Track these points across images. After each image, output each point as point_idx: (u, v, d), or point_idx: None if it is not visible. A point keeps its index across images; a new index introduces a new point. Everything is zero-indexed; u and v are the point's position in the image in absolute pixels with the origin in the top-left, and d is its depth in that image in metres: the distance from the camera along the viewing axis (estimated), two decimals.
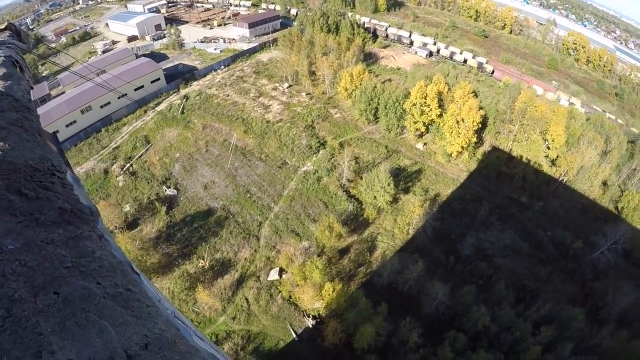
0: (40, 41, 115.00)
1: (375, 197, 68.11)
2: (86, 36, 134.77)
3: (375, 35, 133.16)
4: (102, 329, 2.75)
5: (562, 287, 66.37)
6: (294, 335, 54.09)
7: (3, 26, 7.34)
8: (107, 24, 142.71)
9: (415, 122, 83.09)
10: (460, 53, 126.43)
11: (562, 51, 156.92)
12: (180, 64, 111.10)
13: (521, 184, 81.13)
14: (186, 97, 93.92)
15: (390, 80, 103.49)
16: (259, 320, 55.34)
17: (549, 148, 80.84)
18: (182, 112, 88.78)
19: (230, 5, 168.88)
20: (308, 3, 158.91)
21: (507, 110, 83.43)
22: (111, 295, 3.16)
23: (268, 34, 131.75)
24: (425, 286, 57.67)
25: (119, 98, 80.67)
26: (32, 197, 3.84)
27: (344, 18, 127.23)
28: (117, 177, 74.22)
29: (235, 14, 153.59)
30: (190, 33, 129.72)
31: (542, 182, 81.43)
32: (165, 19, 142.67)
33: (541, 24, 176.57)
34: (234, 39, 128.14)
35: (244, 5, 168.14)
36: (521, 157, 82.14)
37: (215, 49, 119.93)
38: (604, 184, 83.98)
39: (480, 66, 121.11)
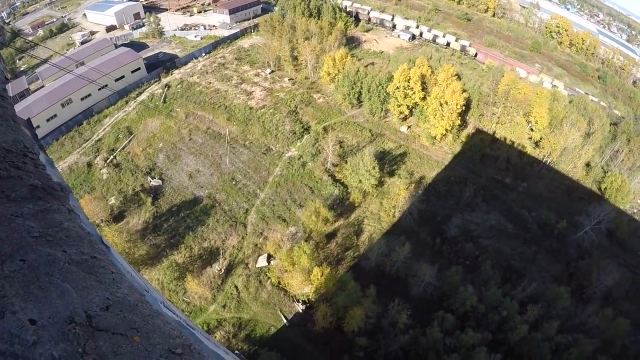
0: (17, 35, 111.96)
1: (360, 180, 68.42)
2: (64, 28, 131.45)
3: (357, 19, 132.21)
4: (64, 292, 2.78)
5: (547, 266, 67.69)
6: (285, 321, 54.60)
7: None
8: (84, 15, 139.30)
9: (399, 106, 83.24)
10: (443, 36, 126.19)
11: (545, 34, 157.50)
12: (160, 52, 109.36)
13: (505, 165, 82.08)
14: (168, 86, 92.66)
15: (373, 64, 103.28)
16: (249, 307, 55.66)
17: (532, 130, 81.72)
18: (164, 102, 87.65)
19: None
20: None
21: (491, 92, 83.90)
22: (76, 262, 3.18)
23: (249, 19, 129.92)
24: (412, 268, 58.42)
25: (99, 90, 79.34)
26: (4, 176, 3.96)
27: (325, 2, 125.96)
28: (100, 169, 73.25)
29: (215, 0, 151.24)
30: (170, 21, 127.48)
31: (526, 164, 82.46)
32: (144, 7, 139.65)
33: (524, 7, 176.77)
34: (214, 26, 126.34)
35: None
36: (505, 139, 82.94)
37: (195, 36, 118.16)
38: (587, 165, 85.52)
39: (463, 49, 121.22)
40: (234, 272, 59.11)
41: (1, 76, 6.34)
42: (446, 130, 79.69)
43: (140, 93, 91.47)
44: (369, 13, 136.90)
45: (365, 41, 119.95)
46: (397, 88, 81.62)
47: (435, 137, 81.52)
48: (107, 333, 2.65)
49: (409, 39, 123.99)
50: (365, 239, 65.11)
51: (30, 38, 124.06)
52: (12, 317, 2.48)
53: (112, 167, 73.51)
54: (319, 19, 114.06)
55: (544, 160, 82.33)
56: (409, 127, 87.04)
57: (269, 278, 58.30)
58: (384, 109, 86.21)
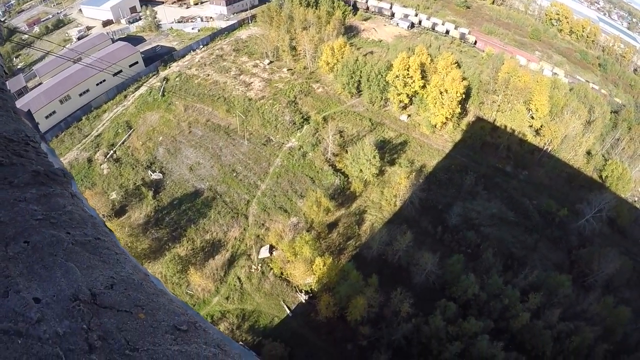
0: (14, 32, 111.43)
1: (361, 170, 68.45)
2: (60, 24, 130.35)
3: (355, 8, 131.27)
4: (68, 270, 2.80)
5: (548, 254, 67.95)
6: (288, 311, 54.88)
7: None
8: (80, 10, 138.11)
9: (398, 94, 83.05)
10: (443, 24, 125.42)
11: (545, 22, 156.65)
12: (158, 45, 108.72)
13: (506, 153, 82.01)
14: (166, 79, 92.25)
15: (372, 52, 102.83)
16: (253, 298, 55.92)
17: (532, 118, 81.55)
18: (163, 95, 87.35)
19: None
20: None
21: (491, 80, 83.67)
22: (80, 242, 3.19)
23: (246, 10, 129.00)
24: (414, 256, 58.59)
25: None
26: (7, 164, 4.03)
27: None
28: (101, 165, 73.15)
29: None
30: (167, 13, 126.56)
31: (526, 152, 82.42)
32: (140, 0, 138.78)
33: None
34: (211, 17, 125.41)
35: None
36: (505, 127, 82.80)
37: (193, 29, 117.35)
38: (588, 153, 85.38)
39: (462, 37, 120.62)
40: (236, 263, 59.32)
41: (0, 70, 6.38)
42: (446, 118, 79.54)
43: (138, 87, 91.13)
44: (367, 2, 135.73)
45: (363, 30, 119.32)
46: (397, 77, 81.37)
47: (435, 125, 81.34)
48: (112, 310, 2.66)
49: (408, 27, 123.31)
50: (366, 228, 65.25)
51: (27, 36, 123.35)
52: (16, 296, 2.51)
53: (112, 162, 73.43)
54: (316, 8, 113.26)
55: (544, 149, 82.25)
56: (409, 115, 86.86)
57: (271, 269, 58.52)
58: (383, 97, 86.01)
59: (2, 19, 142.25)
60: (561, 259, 67.93)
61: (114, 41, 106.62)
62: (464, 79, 79.69)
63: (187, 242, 60.80)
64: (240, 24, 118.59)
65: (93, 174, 71.85)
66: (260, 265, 58.92)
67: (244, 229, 63.64)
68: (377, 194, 70.04)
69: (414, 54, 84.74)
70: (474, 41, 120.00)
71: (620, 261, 63.92)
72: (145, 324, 2.67)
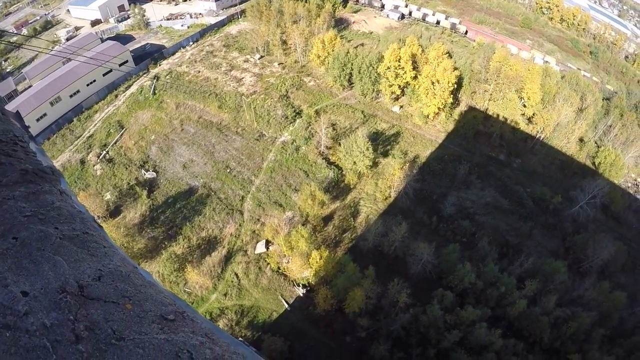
0: (2, 35, 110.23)
1: (354, 162, 68.53)
2: (48, 25, 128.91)
3: (345, 0, 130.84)
4: (56, 264, 2.84)
5: (543, 241, 68.36)
6: (286, 306, 55.08)
7: None
8: (68, 10, 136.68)
9: (390, 86, 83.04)
10: (433, 14, 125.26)
11: (535, 10, 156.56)
12: (147, 44, 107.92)
13: (499, 142, 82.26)
14: (156, 77, 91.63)
15: (362, 45, 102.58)
16: (250, 294, 56.04)
17: (525, 106, 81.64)
18: (154, 93, 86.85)
19: None
20: None
21: (482, 69, 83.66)
22: (68, 237, 3.23)
23: (235, 5, 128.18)
24: (410, 247, 58.84)
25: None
26: None
27: None
28: (94, 166, 72.74)
29: None
30: (155, 11, 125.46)
31: (519, 140, 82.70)
32: None
33: None
34: (200, 14, 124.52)
35: None
36: (498, 115, 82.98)
37: (182, 26, 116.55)
38: (581, 140, 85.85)
39: (453, 27, 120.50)
40: (233, 259, 59.37)
41: None
42: (439, 108, 79.60)
43: (129, 86, 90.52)
44: None
45: (354, 22, 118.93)
46: (388, 68, 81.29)
47: (427, 115, 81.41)
48: (99, 301, 2.71)
49: (398, 18, 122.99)
50: (362, 220, 65.42)
51: (15, 38, 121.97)
52: (3, 290, 2.55)
53: (105, 163, 73.06)
54: (306, 1, 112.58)
55: (537, 136, 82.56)
56: (401, 106, 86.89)
57: (268, 264, 58.64)
58: (375, 89, 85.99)
59: None
60: (556, 245, 68.38)
61: (103, 41, 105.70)
62: (455, 69, 79.63)
63: (183, 240, 60.77)
64: (230, 20, 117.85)
65: (86, 176, 71.43)
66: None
67: (240, 225, 63.66)
68: (372, 185, 70.18)
69: (404, 45, 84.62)
70: (465, 31, 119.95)
71: (615, 247, 64.46)
72: (132, 314, 2.72)
